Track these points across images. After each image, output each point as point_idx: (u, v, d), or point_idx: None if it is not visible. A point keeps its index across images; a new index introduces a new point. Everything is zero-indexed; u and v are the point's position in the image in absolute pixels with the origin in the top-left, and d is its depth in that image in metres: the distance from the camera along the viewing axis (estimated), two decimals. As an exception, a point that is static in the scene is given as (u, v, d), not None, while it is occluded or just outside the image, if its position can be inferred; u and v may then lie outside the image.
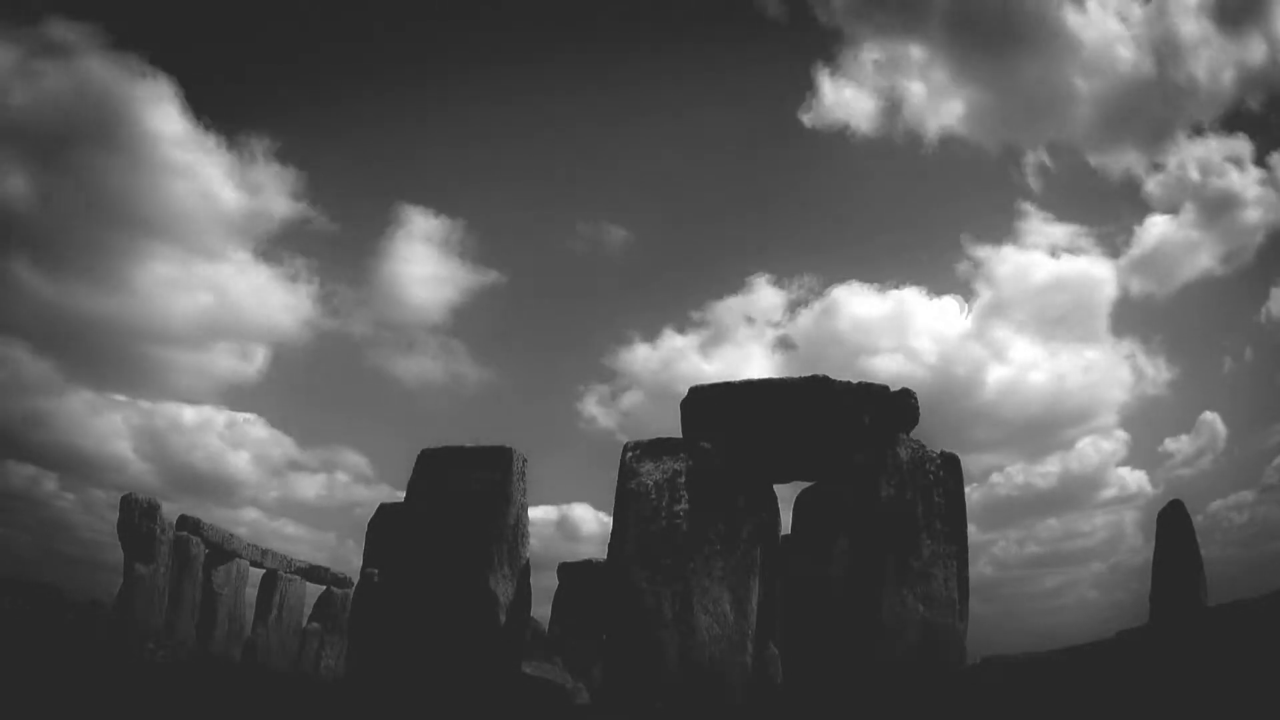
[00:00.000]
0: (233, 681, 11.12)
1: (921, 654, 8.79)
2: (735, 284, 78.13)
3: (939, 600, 9.08)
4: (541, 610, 17.24)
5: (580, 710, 11.25)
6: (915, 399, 10.08)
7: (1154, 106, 49.98)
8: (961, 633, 9.26)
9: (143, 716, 8.60)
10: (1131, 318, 59.24)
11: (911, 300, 61.05)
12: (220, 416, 61.63)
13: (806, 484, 10.38)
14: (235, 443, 61.89)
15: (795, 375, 10.24)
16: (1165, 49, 47.71)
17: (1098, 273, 57.23)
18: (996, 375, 58.51)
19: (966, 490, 9.86)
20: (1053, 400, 58.02)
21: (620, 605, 9.01)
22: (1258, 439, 52.64)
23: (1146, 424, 58.76)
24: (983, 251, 65.39)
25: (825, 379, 9.98)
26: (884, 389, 10.02)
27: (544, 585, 17.59)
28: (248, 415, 62.68)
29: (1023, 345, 60.44)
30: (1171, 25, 49.62)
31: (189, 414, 61.51)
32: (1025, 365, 59.30)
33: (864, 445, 9.70)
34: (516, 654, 10.36)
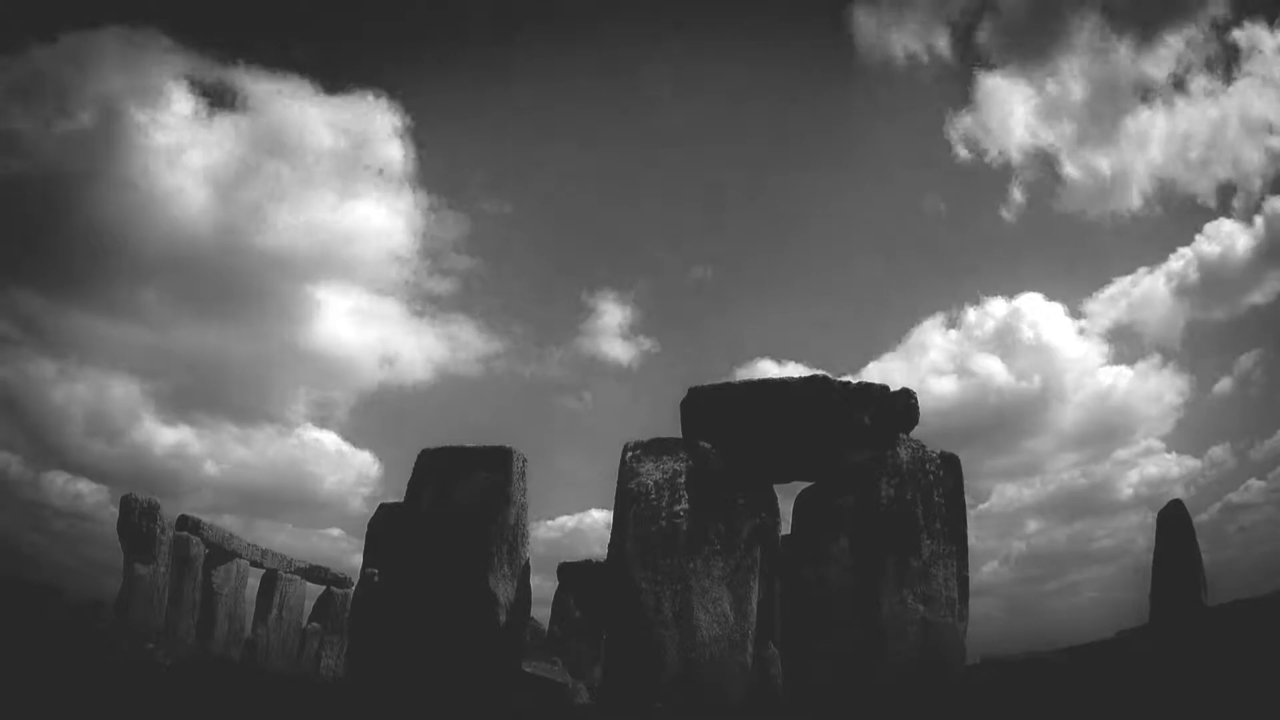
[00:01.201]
0: (233, 681, 11.11)
1: (921, 654, 8.79)
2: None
3: (939, 600, 9.08)
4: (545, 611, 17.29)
5: (580, 710, 11.25)
6: (915, 399, 10.08)
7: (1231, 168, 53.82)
8: (961, 633, 9.26)
9: (143, 716, 8.60)
10: (1202, 337, 62.63)
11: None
12: (320, 441, 64.33)
13: (806, 484, 10.37)
14: (319, 465, 64.67)
15: (798, 375, 10.21)
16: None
17: (1168, 299, 62.43)
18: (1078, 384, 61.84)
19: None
20: (1118, 406, 61.66)
21: (620, 605, 9.01)
22: (1270, 444, 55.89)
23: (1194, 431, 62.77)
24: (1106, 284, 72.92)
25: (825, 379, 9.98)
26: (884, 389, 10.03)
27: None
28: (341, 442, 65.58)
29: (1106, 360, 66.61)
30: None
31: (284, 440, 64.16)
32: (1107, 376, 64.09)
33: (864, 445, 9.70)
34: (516, 654, 10.36)
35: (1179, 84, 59.00)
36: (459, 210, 76.00)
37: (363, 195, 68.11)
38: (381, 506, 13.16)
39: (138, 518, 17.58)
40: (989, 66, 66.47)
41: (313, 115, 63.84)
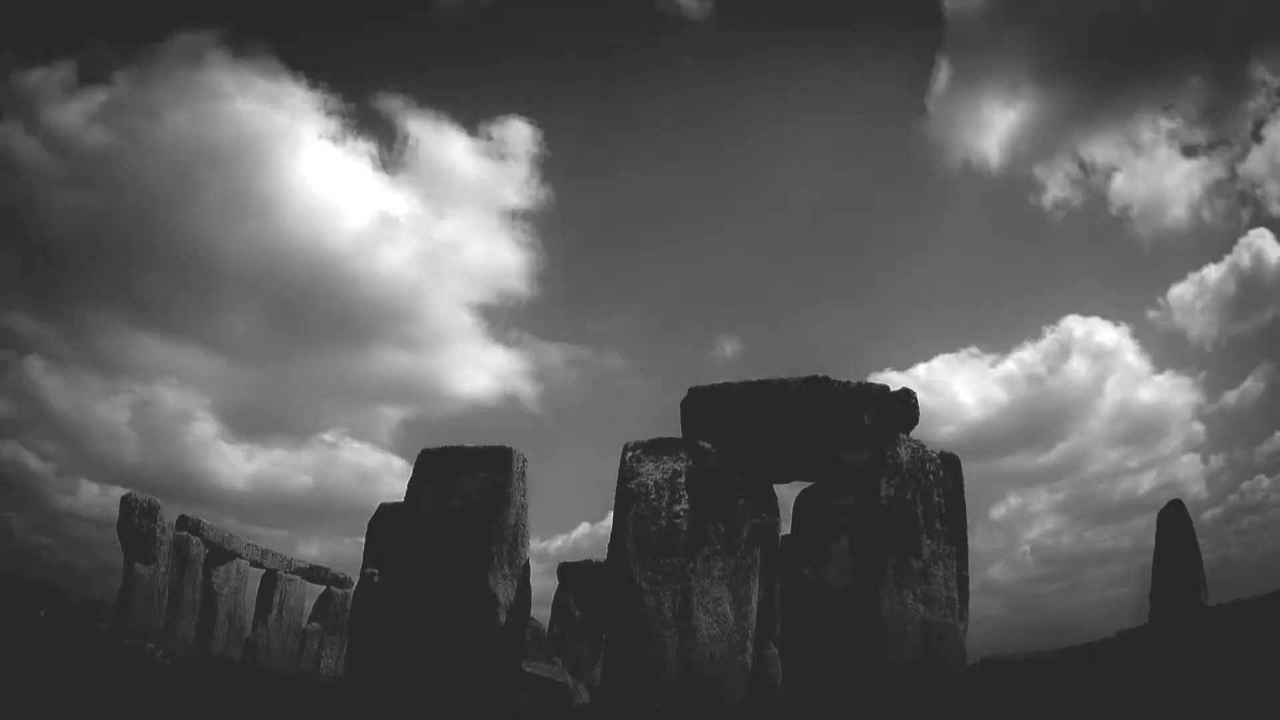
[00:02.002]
0: (233, 681, 11.11)
1: (921, 654, 8.79)
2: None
3: (939, 600, 9.08)
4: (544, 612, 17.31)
5: (580, 710, 11.26)
6: (915, 398, 10.07)
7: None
8: (961, 633, 9.26)
9: (143, 716, 8.60)
10: (1235, 344, 66.71)
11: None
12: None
13: (806, 484, 10.37)
14: (380, 482, 66.43)
15: (798, 376, 10.20)
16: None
17: (1203, 309, 65.36)
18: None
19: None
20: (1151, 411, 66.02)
21: (620, 605, 9.01)
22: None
23: (1219, 435, 64.60)
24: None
25: (825, 379, 9.97)
26: (884, 389, 10.02)
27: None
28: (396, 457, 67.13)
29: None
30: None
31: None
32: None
33: (864, 445, 9.70)
34: (516, 654, 10.36)
35: (1218, 141, 62.37)
36: (581, 248, 78.61)
37: (483, 225, 70.68)
38: (382, 506, 13.15)
39: (138, 518, 17.59)
40: (1051, 151, 73.68)
41: (444, 145, 68.18)
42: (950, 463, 9.82)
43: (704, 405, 10.07)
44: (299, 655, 21.10)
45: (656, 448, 9.70)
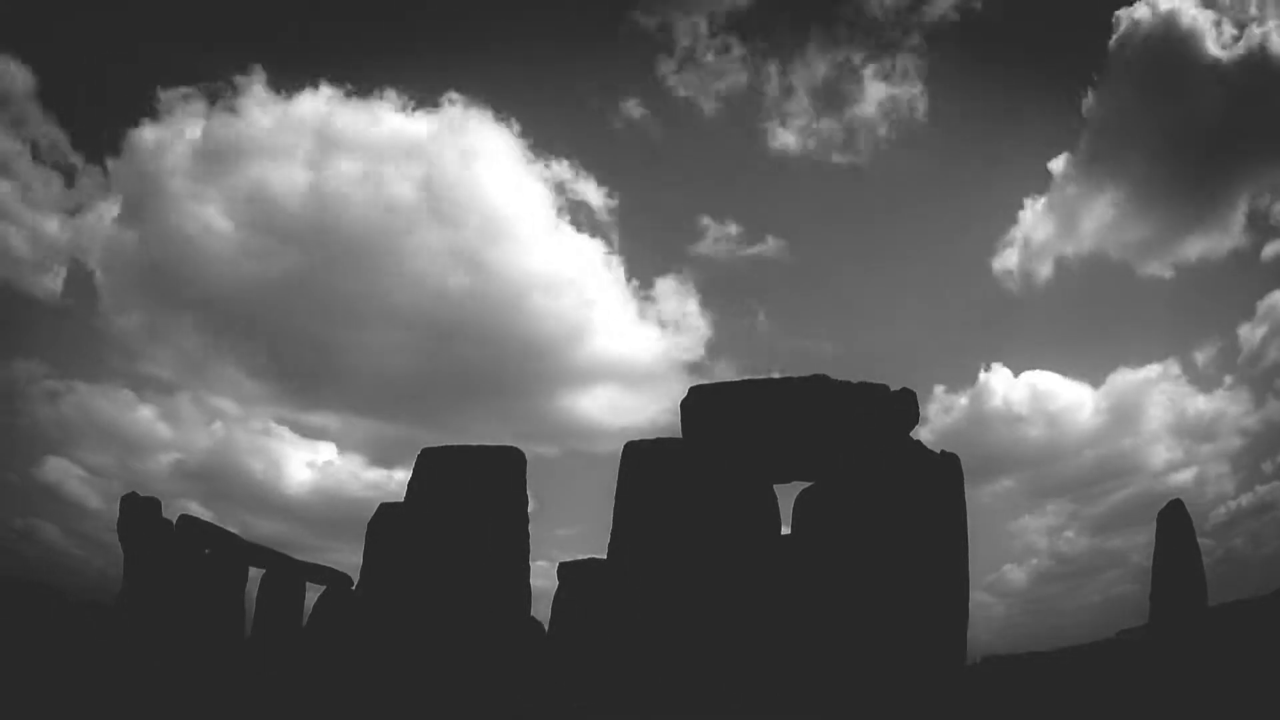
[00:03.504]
0: (232, 681, 11.12)
1: (922, 653, 8.80)
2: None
3: (939, 600, 9.08)
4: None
5: (580, 710, 11.23)
6: (915, 399, 10.06)
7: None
8: (961, 632, 9.26)
9: (143, 716, 8.60)
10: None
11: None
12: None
13: (806, 484, 10.36)
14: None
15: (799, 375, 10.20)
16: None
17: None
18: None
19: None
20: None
21: (620, 605, 9.02)
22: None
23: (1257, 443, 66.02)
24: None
25: (825, 378, 9.96)
26: (884, 389, 9.99)
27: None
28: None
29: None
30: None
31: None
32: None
33: (864, 445, 9.69)
34: (517, 654, 10.36)
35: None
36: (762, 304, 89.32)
37: (680, 290, 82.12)
38: (382, 506, 13.10)
39: (138, 518, 17.56)
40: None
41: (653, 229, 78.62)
42: (950, 462, 9.81)
43: (704, 405, 10.06)
44: (298, 654, 21.06)
45: (657, 448, 9.71)
